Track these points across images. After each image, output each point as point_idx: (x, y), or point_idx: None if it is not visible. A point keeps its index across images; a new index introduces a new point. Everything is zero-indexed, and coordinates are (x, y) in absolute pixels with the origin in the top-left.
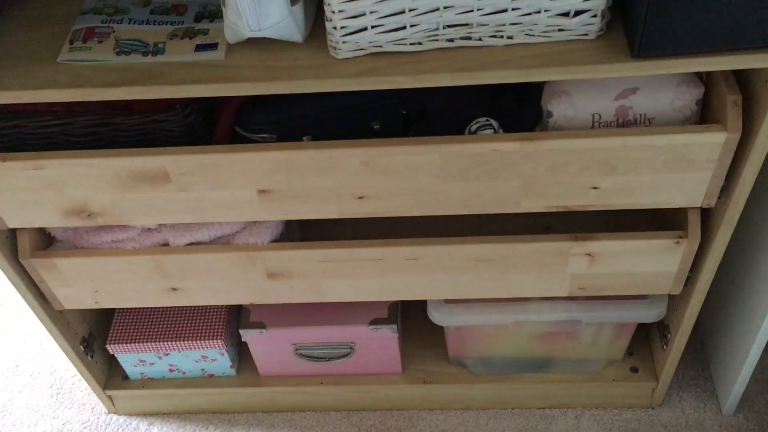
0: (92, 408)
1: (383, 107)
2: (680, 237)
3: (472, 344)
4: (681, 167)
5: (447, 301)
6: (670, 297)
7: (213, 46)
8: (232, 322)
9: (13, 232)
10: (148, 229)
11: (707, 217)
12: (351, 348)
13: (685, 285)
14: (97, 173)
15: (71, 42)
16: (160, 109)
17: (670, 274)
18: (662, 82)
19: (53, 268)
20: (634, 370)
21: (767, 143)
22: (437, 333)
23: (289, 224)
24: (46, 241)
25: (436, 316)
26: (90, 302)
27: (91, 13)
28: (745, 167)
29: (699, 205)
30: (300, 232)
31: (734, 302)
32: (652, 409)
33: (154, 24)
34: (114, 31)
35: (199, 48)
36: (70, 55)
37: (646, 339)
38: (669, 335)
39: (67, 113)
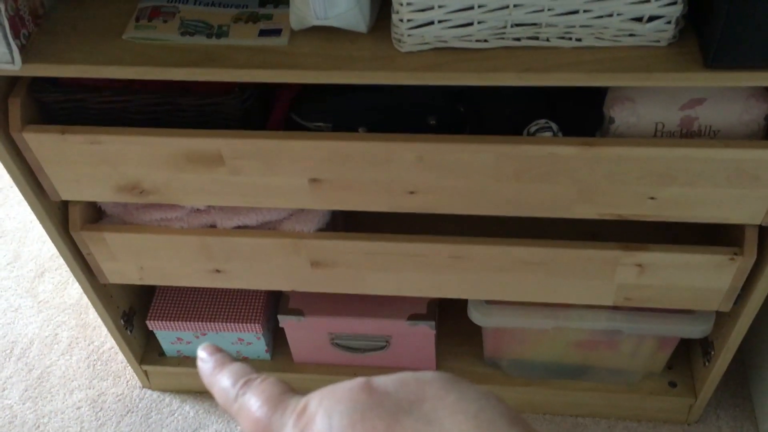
0: (127, 381)
1: (441, 103)
2: (735, 254)
3: (509, 346)
4: (744, 182)
5: (487, 302)
6: (718, 314)
7: (276, 32)
8: (270, 307)
9: (65, 204)
10: (197, 209)
11: (765, 235)
12: (387, 341)
13: (735, 303)
14: (152, 151)
15: (137, 20)
16: (219, 92)
17: (720, 291)
18: (731, 94)
19: (102, 241)
20: (673, 384)
21: None
22: (474, 332)
23: (334, 215)
24: (96, 214)
25: (476, 315)
26: (134, 278)
27: None
28: None
29: (759, 223)
30: (344, 224)
31: None
32: (688, 425)
33: (219, 6)
34: (179, 11)
35: (263, 33)
36: (135, 32)
37: (687, 353)
38: (713, 352)
39: (127, 90)
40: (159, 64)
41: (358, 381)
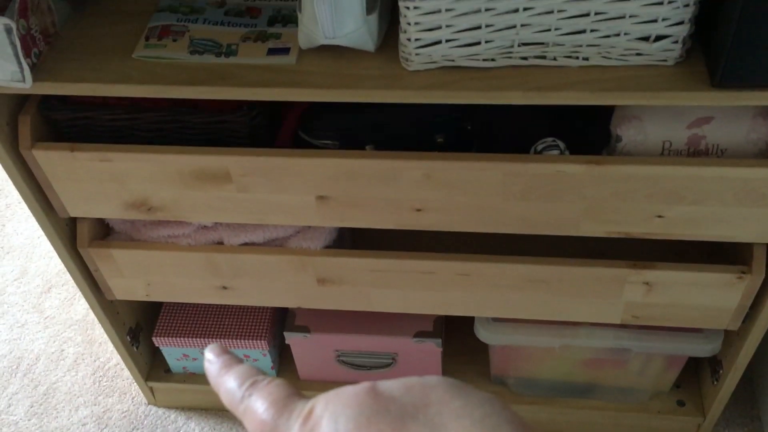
0: (133, 398)
1: (448, 121)
2: (743, 272)
3: (516, 364)
4: (752, 201)
5: (494, 319)
6: (726, 332)
7: (285, 51)
8: (276, 323)
9: (73, 221)
10: (204, 226)
11: None
12: (393, 359)
13: (744, 321)
14: (160, 169)
15: (147, 38)
16: (227, 110)
17: (729, 310)
18: (738, 113)
19: (109, 258)
20: (681, 403)
21: None
22: (480, 350)
23: (341, 231)
24: (104, 231)
25: (483, 333)
26: (141, 294)
27: (167, 11)
28: None
29: (767, 242)
30: (351, 240)
31: None
32: None
33: (228, 25)
34: (189, 30)
35: (271, 52)
36: (145, 51)
37: (695, 372)
38: (721, 371)
39: (136, 108)
40: (168, 82)
41: (364, 385)
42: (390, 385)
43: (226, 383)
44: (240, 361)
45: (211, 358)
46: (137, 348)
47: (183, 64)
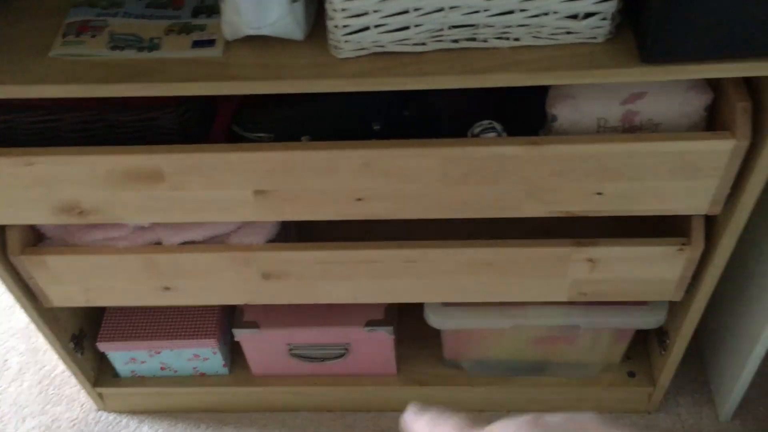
0: (81, 405)
1: (384, 108)
2: (683, 244)
3: (468, 347)
4: (687, 174)
5: (444, 304)
6: (671, 303)
7: (210, 43)
8: (225, 320)
9: (2, 228)
10: (141, 227)
11: (711, 224)
12: (346, 349)
13: (687, 292)
14: (89, 170)
15: (64, 36)
16: (156, 106)
17: (671, 281)
18: (670, 88)
19: (43, 265)
20: (632, 374)
21: None
22: (433, 334)
23: (285, 224)
24: (36, 237)
25: (433, 319)
26: (80, 300)
27: (85, 5)
28: (752, 175)
29: (704, 213)
30: (296, 232)
31: (734, 308)
32: (649, 414)
33: (150, 18)
34: (108, 25)
35: (196, 44)
36: (63, 49)
37: (644, 344)
38: (668, 341)
39: (60, 108)
40: (88, 81)
41: (531, 415)
42: (552, 417)
43: (417, 427)
44: (431, 409)
45: (409, 411)
46: (82, 354)
47: (103, 61)
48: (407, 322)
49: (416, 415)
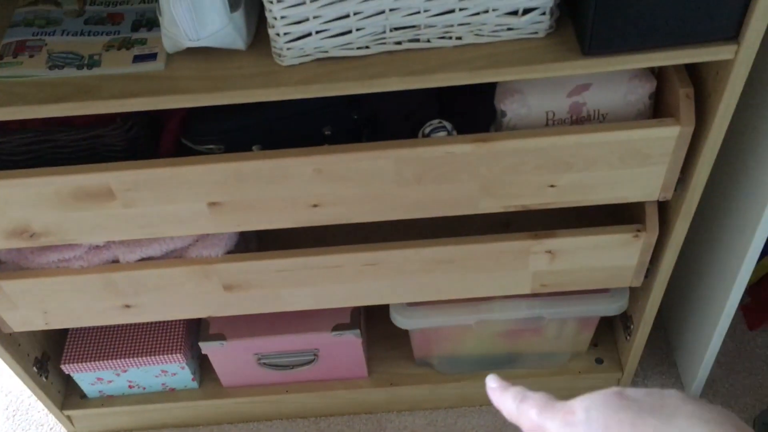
0: (51, 428)
1: (334, 113)
2: (638, 230)
3: (437, 345)
4: (636, 162)
5: (409, 304)
6: (632, 289)
7: (152, 57)
8: (191, 334)
9: None
10: (96, 246)
11: (665, 209)
12: (315, 355)
13: (646, 277)
14: (36, 192)
15: (1, 57)
16: (101, 124)
17: (630, 268)
18: (614, 78)
19: None
20: (599, 361)
21: (720, 135)
22: (402, 335)
23: (244, 234)
24: None
25: (399, 320)
26: (40, 323)
27: (22, 25)
28: (699, 160)
29: (656, 199)
30: (257, 241)
31: (695, 289)
32: None
33: (89, 35)
34: (46, 44)
35: (138, 59)
36: (1, 71)
37: (610, 330)
38: (632, 326)
39: (2, 131)
40: (29, 102)
41: (613, 389)
42: (634, 390)
43: (504, 402)
44: (511, 384)
45: (492, 385)
46: (47, 378)
47: (43, 81)
48: (375, 324)
49: (501, 389)
